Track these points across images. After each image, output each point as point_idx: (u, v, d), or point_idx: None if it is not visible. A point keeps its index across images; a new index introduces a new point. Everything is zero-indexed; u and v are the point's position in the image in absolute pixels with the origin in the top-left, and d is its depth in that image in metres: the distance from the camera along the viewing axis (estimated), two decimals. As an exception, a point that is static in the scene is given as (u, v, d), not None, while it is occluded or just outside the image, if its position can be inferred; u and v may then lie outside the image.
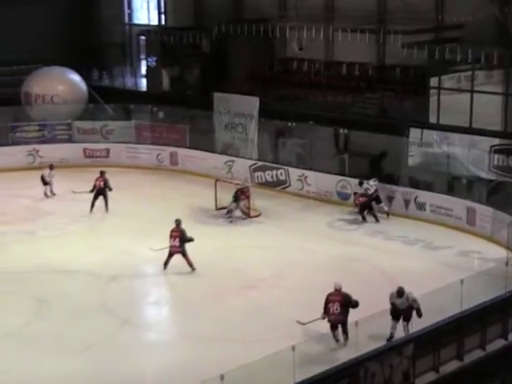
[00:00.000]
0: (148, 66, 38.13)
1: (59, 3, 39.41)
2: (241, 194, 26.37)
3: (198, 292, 20.28)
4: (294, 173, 28.93)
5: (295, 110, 31.04)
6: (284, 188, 29.19)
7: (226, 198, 26.49)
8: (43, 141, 33.43)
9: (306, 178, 28.63)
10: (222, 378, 13.43)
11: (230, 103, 31.59)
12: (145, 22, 41.16)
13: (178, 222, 21.74)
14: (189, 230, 24.46)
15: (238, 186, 26.65)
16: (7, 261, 22.28)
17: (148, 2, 40.90)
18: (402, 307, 16.98)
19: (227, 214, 26.18)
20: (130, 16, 41.83)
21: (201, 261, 22.11)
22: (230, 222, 25.92)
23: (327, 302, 17.21)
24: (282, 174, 29.25)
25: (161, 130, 33.69)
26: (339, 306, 17.10)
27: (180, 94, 35.32)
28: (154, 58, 37.12)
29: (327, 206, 27.53)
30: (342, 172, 28.72)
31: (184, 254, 21.47)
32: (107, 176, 27.10)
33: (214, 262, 22.11)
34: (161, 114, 34.95)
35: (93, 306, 19.24)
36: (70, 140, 33.57)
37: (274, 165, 29.76)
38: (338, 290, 17.36)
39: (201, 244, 23.21)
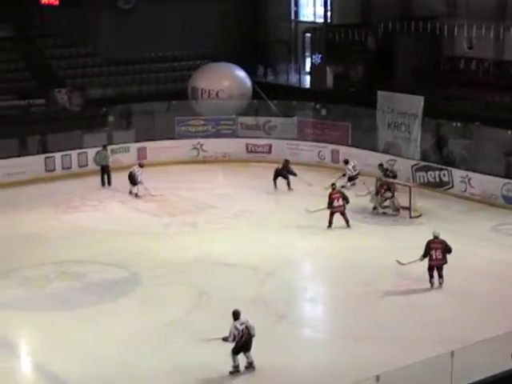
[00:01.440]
0: (312, 63, 38.28)
1: (228, 1, 40.20)
2: (381, 188, 26.10)
3: (352, 290, 20.13)
4: (458, 174, 28.27)
5: (461, 109, 30.31)
6: (446, 189, 28.57)
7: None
8: (207, 135, 34.16)
9: (469, 179, 27.89)
10: (377, 379, 13.26)
11: (394, 102, 31.16)
12: (311, 19, 41.36)
13: (334, 186, 25.35)
14: (348, 228, 24.53)
15: (381, 180, 26.54)
16: (171, 251, 22.87)
17: (314, 0, 41.06)
18: None
19: (374, 210, 26.14)
20: (297, 13, 42.14)
21: (358, 258, 22.02)
22: (383, 213, 26.04)
23: (429, 248, 19.68)
24: (444, 175, 28.64)
25: (323, 127, 33.70)
26: (441, 252, 19.63)
27: (343, 92, 35.23)
28: (319, 56, 37.21)
29: (492, 209, 26.69)
30: (508, 175, 27.79)
31: (343, 213, 24.25)
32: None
33: (369, 261, 21.89)
34: (323, 111, 34.94)
35: (251, 299, 19.42)
36: (234, 135, 34.14)
37: (437, 165, 29.17)
38: (437, 238, 19.83)
39: (359, 241, 23.18)
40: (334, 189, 24.82)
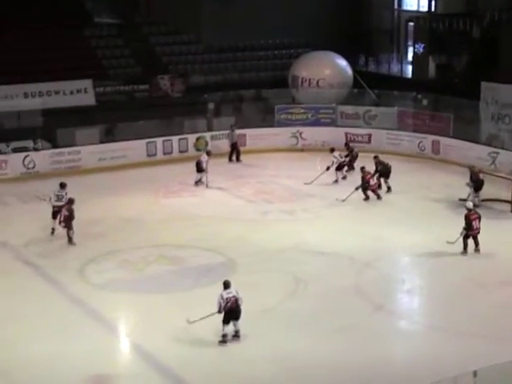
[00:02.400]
0: (415, 52, 37.78)
1: (331, -11, 40.06)
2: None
3: (450, 283, 19.85)
4: None
5: None
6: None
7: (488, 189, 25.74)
8: (307, 123, 34.14)
9: None
10: (474, 374, 13.05)
11: (499, 93, 30.49)
12: (414, 8, 40.80)
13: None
14: (446, 221, 24.15)
15: (473, 169, 25.99)
16: (268, 238, 22.96)
17: (418, -12, 40.54)
18: None
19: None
20: (400, 2, 41.64)
21: (456, 252, 21.67)
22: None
23: (470, 220, 21.28)
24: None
25: (424, 117, 33.22)
26: (478, 221, 21.39)
27: (446, 82, 34.65)
28: (422, 45, 36.70)
29: None
30: None
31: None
32: None
33: (469, 255, 21.53)
34: (425, 102, 34.45)
35: (347, 289, 19.39)
36: (333, 124, 34.00)
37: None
38: (472, 210, 21.60)
39: (457, 235, 22.77)
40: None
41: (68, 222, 22.46)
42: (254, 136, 33.21)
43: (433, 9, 38.88)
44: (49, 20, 35.30)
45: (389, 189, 27.28)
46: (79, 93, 33.31)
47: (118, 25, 38.02)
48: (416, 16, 39.19)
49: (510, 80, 30.76)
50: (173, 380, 15.51)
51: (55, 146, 30.92)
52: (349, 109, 34.60)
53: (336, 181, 28.48)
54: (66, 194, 23.53)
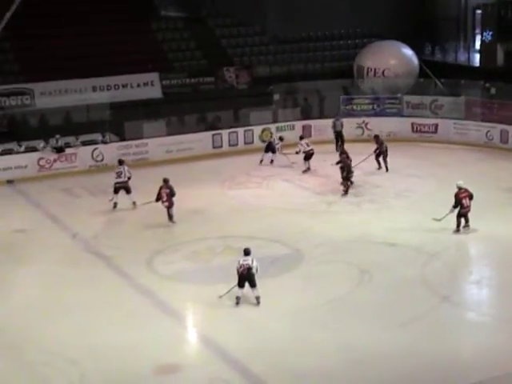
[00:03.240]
0: (483, 40, 37.21)
1: (396, -21, 39.66)
2: None
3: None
4: None
5: None
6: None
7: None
8: (372, 114, 33.98)
9: None
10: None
11: None
12: (482, -5, 40.11)
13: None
14: (502, 213, 23.71)
15: None
16: (333, 229, 22.98)
17: (486, -25, 39.82)
18: None
19: None
20: (467, -11, 41.00)
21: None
22: None
23: (460, 198, 21.85)
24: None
25: (492, 106, 32.79)
26: (468, 199, 21.93)
27: (515, 70, 34.10)
28: (490, 33, 36.13)
29: None
30: None
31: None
32: None
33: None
34: (493, 91, 33.95)
35: (413, 280, 19.30)
36: (399, 114, 33.77)
37: None
38: (462, 188, 21.97)
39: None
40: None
41: (169, 199, 23.42)
42: (319, 126, 33.19)
43: (501, -4, 38.23)
44: (115, 14, 35.77)
45: (387, 169, 28.45)
46: (146, 86, 33.72)
47: (184, 18, 38.28)
48: (484, 3, 38.54)
49: None
50: (241, 371, 15.60)
51: (123, 139, 31.42)
52: (415, 99, 34.32)
53: (307, 170, 29.07)
54: (125, 169, 25.22)
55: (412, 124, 33.14)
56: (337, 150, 30.81)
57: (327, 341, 16.48)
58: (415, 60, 35.98)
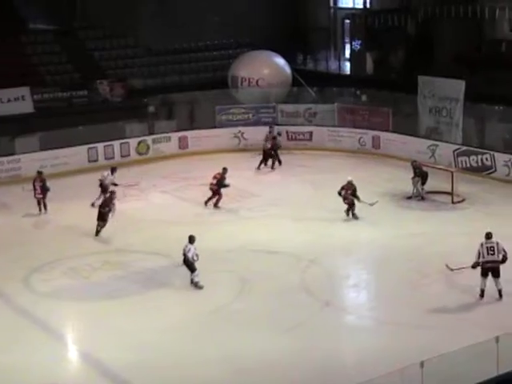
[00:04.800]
0: (352, 49, 38.10)
1: (267, -11, 40.14)
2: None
3: (397, 277, 20.09)
4: (501, 158, 28.00)
5: (504, 93, 29.98)
6: (489, 174, 28.32)
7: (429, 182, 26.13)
8: (248, 123, 34.20)
9: (513, 163, 27.65)
10: (421, 365, 13.25)
11: (435, 86, 30.96)
12: (350, 5, 41.10)
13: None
14: (390, 214, 24.50)
15: (415, 163, 26.46)
16: (214, 239, 22.91)
17: (353, -14, 40.83)
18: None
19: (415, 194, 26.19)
20: (336, 0, 41.89)
21: (401, 245, 21.98)
22: (419, 200, 26.02)
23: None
24: (487, 159, 28.39)
25: (363, 113, 33.57)
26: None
27: (384, 78, 35.04)
28: (359, 42, 37.03)
29: (538, 193, 26.46)
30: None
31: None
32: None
33: (414, 247, 21.85)
34: (364, 98, 34.82)
35: (294, 287, 19.52)
36: (274, 123, 34.09)
37: (480, 149, 28.92)
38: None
39: (402, 228, 23.10)
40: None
41: (43, 191, 24.77)
42: (195, 138, 33.19)
43: (368, 5, 39.27)
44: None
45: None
46: (17, 101, 32.88)
47: (54, 30, 37.57)
48: (352, 13, 39.52)
49: (445, 73, 31.27)
50: (123, 386, 15.40)
51: (-6, 155, 30.51)
52: (289, 107, 34.79)
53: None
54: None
55: (287, 132, 33.55)
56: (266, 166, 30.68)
57: (212, 352, 16.43)
58: (288, 69, 36.46)
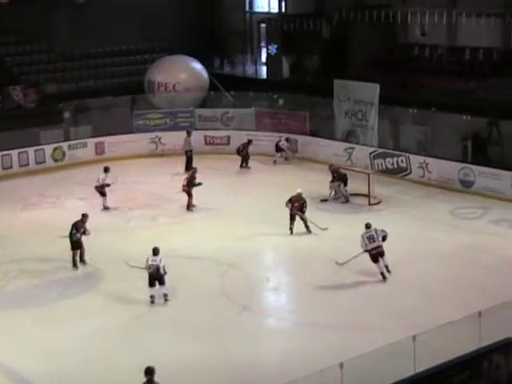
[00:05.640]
0: (268, 53, 38.31)
1: (182, -7, 40.07)
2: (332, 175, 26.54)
3: (316, 279, 20.26)
4: (415, 160, 28.51)
5: (417, 96, 30.56)
6: (404, 175, 28.80)
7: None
8: (165, 128, 34.03)
9: (427, 165, 28.16)
10: (341, 366, 13.36)
11: (350, 90, 31.34)
12: (265, 9, 41.35)
13: None
14: (309, 217, 24.61)
15: (333, 167, 26.86)
16: (132, 246, 22.73)
17: (269, -10, 41.09)
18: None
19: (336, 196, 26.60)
20: (251, 4, 42.11)
21: (320, 247, 22.16)
22: (344, 202, 26.35)
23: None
24: (402, 162, 28.85)
25: (280, 117, 33.75)
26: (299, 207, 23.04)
27: (300, 81, 35.32)
28: (275, 46, 37.27)
29: (449, 193, 27.02)
30: (464, 159, 28.10)
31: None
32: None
33: (333, 249, 22.03)
34: (281, 101, 35.01)
35: (214, 291, 19.49)
36: (192, 127, 33.98)
37: (395, 152, 29.39)
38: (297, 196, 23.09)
39: (320, 231, 23.26)
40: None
41: None
42: (112, 143, 32.86)
43: (283, 10, 39.55)
44: None
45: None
46: None
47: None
48: (267, 17, 39.74)
49: (360, 77, 31.71)
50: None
51: None
52: (206, 112, 34.76)
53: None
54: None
55: (205, 137, 33.50)
56: (186, 170, 30.08)
57: (130, 359, 16.24)
58: (205, 74, 36.45)
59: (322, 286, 19.86)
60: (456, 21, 32.08)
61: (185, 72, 36.08)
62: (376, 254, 19.88)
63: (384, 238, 20.07)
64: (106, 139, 32.86)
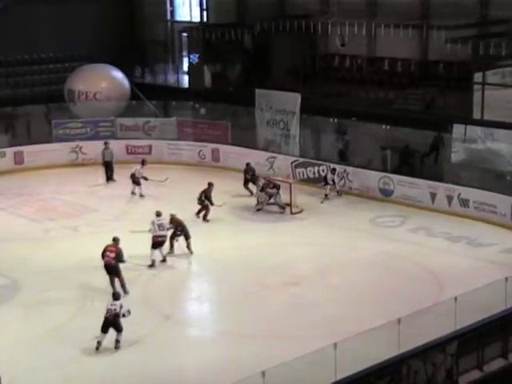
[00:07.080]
0: (190, 62, 38.27)
1: (102, 1, 39.73)
2: (267, 185, 26.50)
3: (238, 288, 20.29)
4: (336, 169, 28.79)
5: (337, 106, 30.92)
6: (325, 184, 29.03)
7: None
8: (86, 137, 33.66)
9: (347, 174, 28.49)
10: (263, 375, 13.43)
11: (272, 99, 31.53)
12: (187, 18, 41.35)
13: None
14: (231, 226, 24.67)
15: (264, 179, 26.98)
16: (52, 256, 22.48)
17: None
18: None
19: (257, 206, 26.65)
20: (172, 13, 42.06)
21: (242, 257, 22.21)
22: (258, 210, 26.42)
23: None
24: (323, 171, 29.12)
25: (202, 126, 33.75)
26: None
27: (222, 91, 35.38)
28: (196, 55, 37.24)
29: (369, 202, 27.40)
30: (384, 168, 28.54)
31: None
32: None
33: (255, 258, 22.14)
34: (202, 111, 35.00)
35: (135, 301, 19.27)
36: (113, 137, 33.67)
37: (316, 161, 29.66)
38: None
39: (242, 240, 23.33)
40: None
41: None
42: (31, 153, 32.31)
43: (205, 19, 39.60)
44: None
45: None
46: None
47: None
48: (189, 27, 39.70)
49: (282, 87, 31.95)
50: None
51: None
52: (128, 121, 34.49)
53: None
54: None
55: (126, 146, 33.24)
56: (107, 181, 30.07)
57: (49, 371, 16.05)
58: (126, 83, 36.18)
59: (243, 295, 19.88)
60: (375, 32, 32.59)
61: (106, 81, 35.76)
62: (159, 242, 21.65)
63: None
64: (25, 148, 32.32)
